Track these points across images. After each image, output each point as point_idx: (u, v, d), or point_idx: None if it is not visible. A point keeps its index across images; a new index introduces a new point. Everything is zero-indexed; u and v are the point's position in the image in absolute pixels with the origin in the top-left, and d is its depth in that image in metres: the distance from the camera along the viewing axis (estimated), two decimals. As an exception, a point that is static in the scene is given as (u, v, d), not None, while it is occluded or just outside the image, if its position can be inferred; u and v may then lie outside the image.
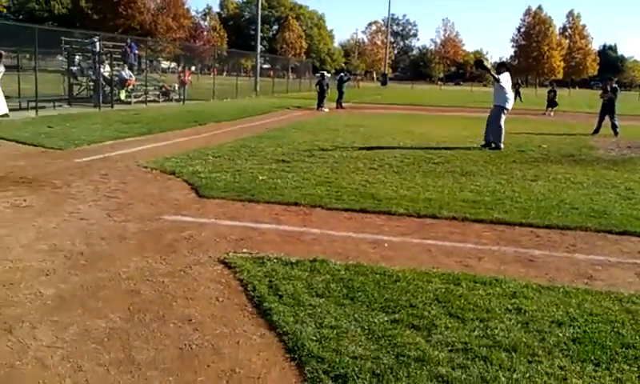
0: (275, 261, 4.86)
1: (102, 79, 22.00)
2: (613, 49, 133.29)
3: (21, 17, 79.20)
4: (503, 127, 12.82)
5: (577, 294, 4.32)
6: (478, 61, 14.23)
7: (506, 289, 4.36)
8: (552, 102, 28.30)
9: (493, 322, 3.76)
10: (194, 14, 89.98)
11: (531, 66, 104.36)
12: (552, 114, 27.73)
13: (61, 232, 5.64)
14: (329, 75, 29.51)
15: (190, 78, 30.08)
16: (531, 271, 4.95)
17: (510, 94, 13.10)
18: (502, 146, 12.66)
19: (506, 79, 12.92)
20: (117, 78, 23.48)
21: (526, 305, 4.06)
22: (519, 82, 32.47)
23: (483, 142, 12.96)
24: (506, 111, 12.85)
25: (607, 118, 17.63)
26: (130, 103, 23.51)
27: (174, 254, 5.10)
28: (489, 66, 13.80)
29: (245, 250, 5.21)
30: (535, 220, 6.53)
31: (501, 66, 14.38)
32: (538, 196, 7.81)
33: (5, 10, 39.01)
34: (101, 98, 21.33)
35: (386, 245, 5.53)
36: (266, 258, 4.93)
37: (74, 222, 6.00)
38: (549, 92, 29.28)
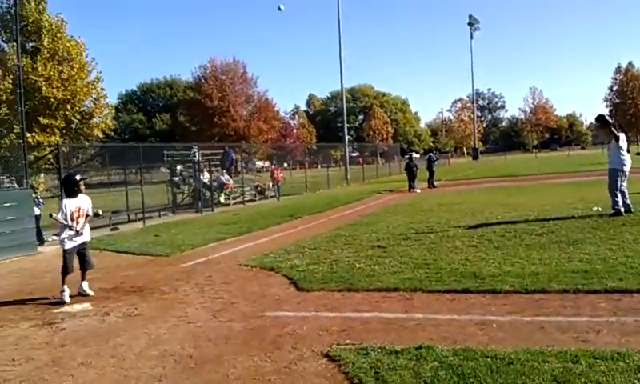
0: (379, 351, 4.75)
1: (202, 186, 23.30)
2: None
3: (126, 136, 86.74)
4: (623, 190, 11.73)
5: None
6: (601, 116, 13.01)
7: (630, 363, 4.00)
8: None
9: (622, 403, 3.42)
10: (283, 114, 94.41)
11: (630, 124, 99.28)
12: None
13: (170, 337, 5.85)
14: (417, 156, 29.55)
15: (281, 174, 31.20)
16: (657, 342, 4.50)
17: (627, 155, 12.01)
18: (623, 210, 11.55)
19: (622, 139, 11.98)
20: (215, 183, 24.78)
21: (657, 381, 3.67)
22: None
23: (612, 211, 11.75)
24: (622, 174, 11.75)
25: None
26: (229, 205, 24.61)
27: (279, 350, 5.13)
28: (611, 121, 12.70)
29: (348, 342, 5.14)
30: (655, 285, 5.99)
31: (617, 126, 13.00)
32: (656, 259, 7.18)
33: (112, 133, 43.01)
34: (201, 203, 22.52)
35: (494, 325, 5.26)
36: (369, 348, 4.84)
37: (183, 326, 6.21)
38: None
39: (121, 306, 7.40)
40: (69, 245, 8.12)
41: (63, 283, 7.95)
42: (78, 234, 8.18)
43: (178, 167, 25.09)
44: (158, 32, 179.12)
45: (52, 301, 7.91)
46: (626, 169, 11.87)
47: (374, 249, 9.88)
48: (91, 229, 8.69)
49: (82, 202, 8.35)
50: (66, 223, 8.06)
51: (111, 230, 17.47)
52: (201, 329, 6.05)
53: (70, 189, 8.34)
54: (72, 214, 8.13)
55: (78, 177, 8.60)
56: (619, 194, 11.67)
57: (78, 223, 8.20)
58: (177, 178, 24.38)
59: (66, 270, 8.01)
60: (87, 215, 8.40)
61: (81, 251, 8.27)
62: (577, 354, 4.26)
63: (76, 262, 8.25)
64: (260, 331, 5.77)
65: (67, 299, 7.81)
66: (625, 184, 11.79)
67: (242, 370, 4.72)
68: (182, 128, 71.35)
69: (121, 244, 13.65)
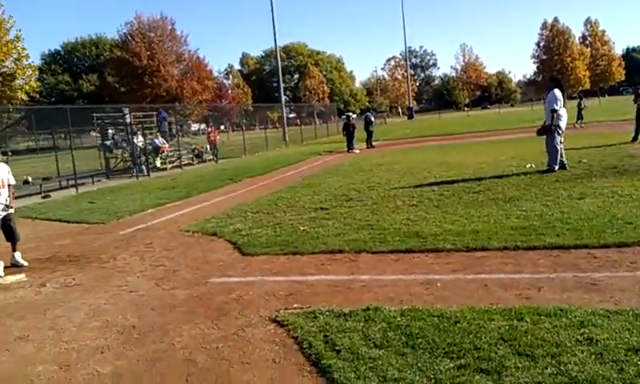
0: (328, 314, 4.76)
1: (136, 149, 22.58)
2: (637, 50, 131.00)
3: (52, 99, 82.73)
4: (558, 147, 11.99)
5: (649, 316, 4.08)
6: (555, 77, 12.94)
7: (572, 319, 4.15)
8: (580, 114, 28.52)
9: (565, 357, 3.57)
10: (216, 74, 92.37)
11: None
12: (582, 126, 27.52)
13: (112, 307, 5.67)
14: (354, 116, 29.60)
15: (218, 137, 30.64)
16: (595, 296, 4.71)
17: (563, 111, 12.12)
18: (556, 167, 11.87)
19: (557, 96, 12.01)
20: (150, 147, 24.07)
21: (596, 334, 3.85)
22: (580, 96, 31.84)
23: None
24: (559, 130, 12.00)
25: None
26: (165, 169, 24.02)
27: (225, 317, 5.06)
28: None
29: (295, 306, 5.13)
30: (590, 240, 6.27)
31: (552, 82, 13.00)
32: (589, 214, 7.51)
33: (37, 96, 40.80)
34: (137, 168, 21.87)
35: (438, 284, 5.37)
36: (317, 311, 4.84)
37: (124, 296, 6.04)
38: (578, 104, 29.24)
39: (57, 277, 7.11)
40: None
41: None
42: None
43: (110, 130, 24.18)
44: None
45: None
46: (562, 124, 12.13)
47: (317, 211, 9.87)
48: (21, 197, 8.26)
49: (2, 172, 7.88)
50: None
51: (43, 197, 16.72)
52: (143, 298, 5.89)
53: None
54: None
55: None
56: (554, 150, 11.91)
57: (0, 194, 7.76)
58: (109, 142, 23.51)
59: None
60: (9, 185, 7.93)
61: (6, 222, 7.84)
62: (521, 311, 4.38)
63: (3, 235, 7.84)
64: (205, 298, 5.67)
65: (1, 273, 7.41)
66: (559, 140, 12.03)
67: (188, 339, 4.63)
68: (111, 89, 68.86)
69: (54, 212, 13.10)
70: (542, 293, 4.92)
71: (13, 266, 7.73)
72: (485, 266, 5.81)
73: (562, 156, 12.13)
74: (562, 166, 12.04)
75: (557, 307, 4.41)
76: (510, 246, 6.37)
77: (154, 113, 27.47)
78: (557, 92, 12.11)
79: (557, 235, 6.59)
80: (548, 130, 12.10)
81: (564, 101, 12.15)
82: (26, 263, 7.81)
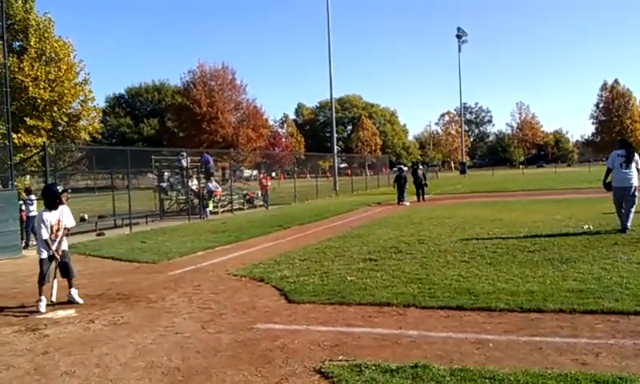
0: (374, 368, 4.62)
1: (190, 192, 23.11)
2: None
3: (114, 141, 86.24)
4: (621, 209, 11.90)
5: None
6: (624, 140, 13.29)
7: (633, 388, 3.89)
8: None
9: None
10: (272, 122, 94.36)
11: (615, 141, 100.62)
12: None
13: (157, 347, 5.69)
14: (406, 169, 29.47)
15: (270, 183, 31.04)
16: (657, 366, 4.42)
17: (623, 172, 11.95)
18: (628, 227, 11.71)
19: (610, 156, 12.38)
20: (205, 190, 24.59)
21: (662, 408, 3.58)
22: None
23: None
24: (621, 191, 11.92)
25: None
26: (217, 213, 24.41)
27: (269, 365, 4.98)
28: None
29: (341, 358, 5.01)
30: (651, 306, 5.94)
31: (620, 143, 12.93)
32: (650, 280, 7.15)
33: (99, 137, 42.55)
34: (202, 210, 22.43)
35: (490, 345, 5.15)
36: (363, 365, 4.71)
37: (170, 337, 6.05)
38: None
39: (106, 314, 7.22)
40: (45, 254, 7.90)
41: (40, 293, 7.70)
42: (54, 243, 7.97)
43: (166, 173, 24.87)
44: (147, 35, 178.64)
45: (32, 309, 7.67)
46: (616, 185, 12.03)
47: (366, 261, 9.77)
48: (77, 234, 8.51)
49: (62, 215, 8.12)
50: (45, 238, 7.86)
51: (97, 235, 17.23)
52: (189, 340, 5.89)
53: (51, 201, 8.07)
54: (52, 227, 7.93)
55: (59, 188, 8.34)
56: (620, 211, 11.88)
57: (57, 236, 8.00)
58: (164, 184, 24.16)
59: (41, 280, 7.77)
60: (66, 228, 8.16)
61: (63, 262, 8.04)
62: (577, 377, 4.16)
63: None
64: (250, 344, 5.62)
65: (43, 309, 7.55)
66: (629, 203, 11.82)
67: (231, 385, 4.58)
68: (170, 133, 71.10)
69: (107, 250, 13.44)
70: (599, 359, 4.66)
71: (69, 303, 7.88)
72: (539, 328, 5.56)
73: (626, 218, 11.79)
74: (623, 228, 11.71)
75: (615, 375, 4.17)
76: (566, 308, 6.10)
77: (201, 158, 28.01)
78: (613, 153, 12.31)
79: (615, 300, 6.28)
80: (606, 188, 12.56)
81: (627, 161, 11.84)
82: (81, 301, 7.94)
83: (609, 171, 12.34)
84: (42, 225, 7.87)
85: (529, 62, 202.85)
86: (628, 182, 11.83)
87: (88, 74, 33.93)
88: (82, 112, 33.36)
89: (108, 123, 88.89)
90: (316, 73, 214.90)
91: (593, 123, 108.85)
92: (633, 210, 11.83)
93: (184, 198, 24.04)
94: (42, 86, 29.99)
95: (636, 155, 12.10)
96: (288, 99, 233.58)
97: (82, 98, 33.27)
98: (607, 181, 12.43)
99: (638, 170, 11.92)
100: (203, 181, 25.25)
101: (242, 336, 5.91)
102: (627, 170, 11.89)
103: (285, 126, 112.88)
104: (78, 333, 6.44)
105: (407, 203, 25.31)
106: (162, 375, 4.90)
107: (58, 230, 8.02)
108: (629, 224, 11.77)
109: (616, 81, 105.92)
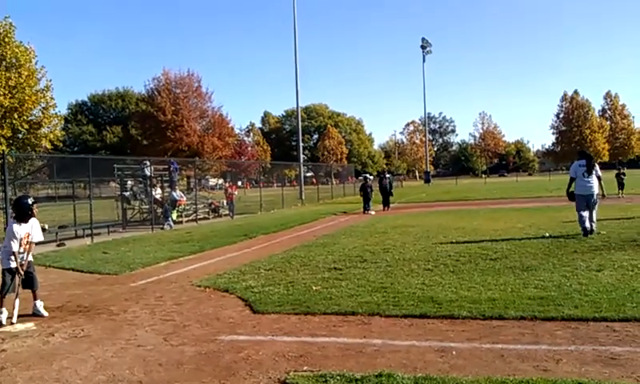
0: (339, 378, 4.62)
1: (154, 201, 22.78)
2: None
3: (76, 149, 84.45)
4: (581, 213, 12.71)
5: (675, 397, 3.90)
6: (583, 151, 14.60)
7: (592, 394, 3.98)
8: (621, 184, 28.31)
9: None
10: (238, 131, 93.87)
11: (575, 151, 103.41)
12: (623, 196, 27.05)
13: (119, 361, 5.56)
14: (371, 178, 29.67)
15: (235, 192, 30.82)
16: (615, 371, 4.54)
17: (585, 181, 12.81)
18: (589, 230, 12.57)
19: (572, 167, 13.35)
20: (168, 200, 24.28)
21: (619, 413, 3.67)
22: (619, 167, 33.24)
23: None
24: (582, 199, 12.78)
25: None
26: (181, 223, 24.10)
27: (233, 376, 4.93)
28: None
29: (305, 368, 5.00)
30: (609, 313, 6.11)
31: (578, 154, 14.16)
32: (607, 287, 7.34)
33: (61, 144, 41.52)
34: (167, 219, 22.12)
35: (454, 352, 5.21)
36: (328, 375, 4.70)
37: (132, 349, 5.93)
38: (617, 175, 28.82)
39: (66, 327, 7.04)
40: (12, 264, 7.63)
41: (1, 305, 7.45)
42: (21, 256, 7.74)
43: (129, 182, 24.46)
44: (111, 42, 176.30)
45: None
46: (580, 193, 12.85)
47: (331, 271, 9.76)
48: (37, 244, 8.23)
49: (32, 228, 7.87)
50: (14, 250, 7.60)
51: (57, 245, 16.80)
52: (151, 353, 5.78)
53: (23, 214, 7.80)
54: (21, 241, 7.69)
55: (30, 201, 8.03)
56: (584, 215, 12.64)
57: (25, 249, 7.77)
58: (127, 193, 23.73)
59: (2, 290, 7.52)
60: (32, 243, 7.90)
61: (27, 272, 7.79)
62: (539, 383, 4.24)
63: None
64: (213, 356, 5.55)
65: (4, 322, 7.29)
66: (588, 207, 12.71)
67: (194, 398, 4.51)
68: (134, 141, 70.04)
69: (67, 261, 13.10)
70: (560, 365, 4.75)
71: (34, 315, 7.64)
72: (501, 336, 5.65)
73: (589, 222, 12.63)
74: (587, 232, 12.52)
75: (575, 381, 4.27)
76: (527, 315, 6.21)
77: (168, 164, 27.62)
78: (575, 163, 13.17)
79: (575, 307, 6.44)
80: (569, 198, 13.31)
81: (588, 170, 12.73)
82: (46, 313, 7.70)
83: (572, 181, 13.04)
84: (13, 237, 7.61)
85: (491, 73, 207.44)
86: (590, 190, 12.73)
87: (50, 80, 33.10)
88: (43, 119, 32.49)
89: (70, 131, 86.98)
90: (282, 81, 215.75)
91: (553, 133, 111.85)
92: (595, 212, 12.83)
93: (147, 207, 23.68)
94: (1, 93, 29.17)
95: (596, 164, 13.03)
96: (254, 107, 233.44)
97: (43, 105, 32.42)
98: (570, 190, 13.14)
99: (598, 177, 12.80)
100: (167, 189, 24.93)
101: (206, 348, 5.83)
102: (589, 179, 12.72)
103: (251, 134, 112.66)
104: (37, 346, 6.25)
105: (373, 212, 25.47)
106: (123, 389, 4.80)
107: (27, 244, 7.79)
108: (595, 226, 12.72)
109: (576, 91, 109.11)
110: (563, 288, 7.43)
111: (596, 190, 12.77)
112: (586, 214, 12.61)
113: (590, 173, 12.76)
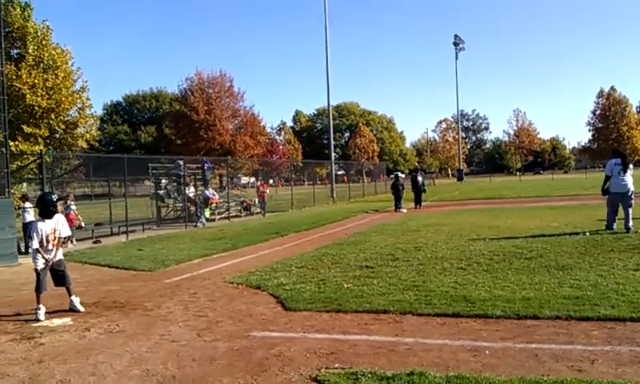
0: (370, 376, 4.62)
1: (187, 200, 23.10)
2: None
3: (111, 148, 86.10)
4: (612, 209, 13.29)
5: None
6: (617, 149, 15.22)
7: (629, 396, 3.90)
8: None
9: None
10: (269, 130, 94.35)
11: (611, 148, 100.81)
12: None
13: (153, 356, 5.67)
14: (403, 176, 29.50)
15: (267, 190, 31.01)
16: (653, 373, 4.42)
17: (620, 178, 13.16)
18: (613, 227, 13.11)
19: (607, 165, 13.65)
20: (201, 197, 24.58)
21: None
22: None
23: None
24: (617, 196, 13.21)
25: None
26: (214, 220, 24.38)
27: (265, 373, 4.97)
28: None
29: (337, 366, 5.01)
30: (647, 313, 5.95)
31: (612, 152, 14.46)
32: (646, 286, 7.16)
33: (97, 144, 42.33)
34: (200, 218, 22.41)
35: (487, 352, 5.15)
36: (359, 373, 4.70)
37: (166, 345, 6.03)
38: None
39: (102, 322, 7.20)
40: (40, 264, 7.86)
41: (38, 301, 7.66)
42: (50, 252, 7.94)
43: (163, 180, 24.85)
44: (145, 42, 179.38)
45: (28, 317, 7.64)
46: (615, 190, 13.23)
47: (362, 269, 9.76)
48: (65, 240, 8.42)
49: (58, 224, 8.04)
50: (36, 247, 7.80)
51: (94, 242, 17.21)
52: (184, 348, 5.87)
53: (46, 210, 7.99)
54: (47, 237, 7.88)
55: (54, 197, 8.26)
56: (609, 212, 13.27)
57: (53, 246, 7.95)
58: (162, 192, 24.13)
59: (38, 289, 7.74)
60: (60, 238, 8.09)
61: (58, 271, 8.00)
62: (573, 383, 4.15)
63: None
64: (246, 352, 5.61)
65: (42, 317, 7.50)
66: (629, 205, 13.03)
67: (227, 394, 4.56)
68: (168, 141, 71.02)
69: (103, 257, 13.40)
70: (595, 366, 4.66)
71: (70, 311, 7.84)
72: (535, 335, 5.57)
73: (625, 221, 12.87)
74: (612, 228, 13.08)
75: (611, 381, 4.19)
76: (562, 315, 6.11)
77: (201, 162, 27.90)
78: (610, 161, 13.48)
79: (612, 307, 6.30)
80: (604, 194, 13.70)
81: (624, 169, 13.12)
82: (82, 309, 7.89)
83: (607, 179, 13.43)
84: (34, 234, 7.82)
85: (526, 69, 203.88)
86: (626, 188, 13.08)
87: (86, 81, 33.76)
88: (79, 119, 33.18)
89: (105, 131, 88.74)
90: (313, 80, 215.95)
91: (589, 130, 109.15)
92: (631, 210, 12.97)
93: (181, 205, 24.02)
94: (39, 94, 29.88)
95: (630, 163, 13.52)
96: (285, 106, 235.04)
97: (79, 106, 33.10)
98: (605, 187, 13.53)
99: (631, 176, 13.30)
100: (201, 188, 25.23)
101: (238, 344, 5.89)
102: (624, 177, 13.10)
103: (282, 133, 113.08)
104: (73, 341, 6.41)
105: (404, 210, 25.32)
106: (158, 383, 4.89)
107: (54, 240, 7.98)
108: (630, 224, 12.77)
109: (612, 88, 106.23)
110: (599, 287, 7.27)
111: (631, 187, 13.15)
112: (614, 212, 13.17)
113: (625, 171, 13.18)
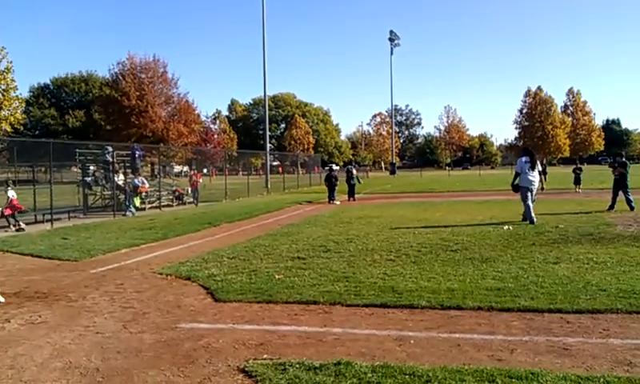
0: (298, 366, 4.66)
1: (116, 188, 22.42)
2: (616, 122, 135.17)
3: (37, 132, 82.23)
4: (529, 205, 14.32)
5: (619, 384, 4.06)
6: (527, 148, 16.98)
7: (543, 382, 4.12)
8: (578, 180, 29.11)
9: (535, 422, 3.51)
10: (204, 118, 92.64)
11: (537, 146, 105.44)
12: (580, 191, 27.93)
13: (76, 348, 5.49)
14: (337, 168, 29.77)
15: (200, 180, 30.52)
16: (567, 361, 4.69)
17: (531, 175, 14.56)
18: (535, 220, 14.04)
19: (519, 162, 15.00)
20: (130, 186, 23.91)
21: (567, 400, 3.80)
22: (544, 162, 35.14)
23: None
24: (527, 190, 14.42)
25: (621, 193, 17.49)
26: (144, 209, 23.78)
27: (192, 364, 4.92)
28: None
29: (265, 356, 5.02)
30: (563, 305, 6.29)
31: (523, 151, 15.96)
32: (563, 279, 7.57)
33: (22, 128, 40.50)
34: (128, 206, 21.75)
35: (412, 341, 5.31)
36: (287, 363, 4.74)
37: (90, 336, 5.86)
38: (574, 170, 29.64)
39: (23, 313, 6.90)
40: None
41: None
42: None
43: (91, 167, 24.00)
44: (75, 25, 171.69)
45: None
46: (530, 186, 14.54)
47: (294, 260, 9.80)
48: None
49: None
50: None
51: (16, 230, 16.44)
52: (109, 340, 5.72)
53: None
54: None
55: None
56: (525, 207, 14.44)
57: None
58: (89, 179, 23.30)
59: None
60: None
61: None
62: (493, 372, 4.34)
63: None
64: (173, 344, 5.53)
65: None
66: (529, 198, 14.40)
67: (152, 386, 4.49)
68: (97, 126, 68.60)
69: (26, 246, 12.83)
70: (514, 355, 4.88)
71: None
72: (458, 326, 5.78)
73: (529, 211, 14.28)
74: (534, 221, 14.04)
75: (528, 370, 4.38)
76: (484, 306, 6.36)
77: (131, 150, 27.13)
78: (520, 159, 14.83)
79: (531, 298, 6.61)
80: (514, 190, 15.13)
81: (532, 166, 14.48)
82: (3, 299, 7.53)
83: (517, 175, 14.90)
84: None
85: (457, 67, 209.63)
86: (533, 184, 14.60)
87: (11, 62, 32.23)
88: (3, 101, 31.61)
89: (31, 114, 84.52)
90: (250, 69, 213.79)
91: (516, 128, 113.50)
92: (532, 204, 14.47)
93: (109, 193, 23.28)
94: (-44, 73, 28.21)
95: (538, 161, 14.96)
96: (221, 95, 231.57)
97: (3, 87, 31.52)
98: (515, 183, 14.98)
99: (539, 172, 14.91)
100: (130, 176, 24.54)
101: (166, 336, 5.80)
102: (533, 173, 14.50)
103: (217, 122, 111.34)
104: (-10, 333, 6.13)
105: (338, 202, 25.58)
106: (81, 376, 4.74)
107: None
108: (533, 214, 14.18)
109: (539, 88, 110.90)
110: (520, 280, 7.62)
111: (537, 183, 14.77)
112: (531, 204, 14.29)
113: (533, 168, 14.54)
